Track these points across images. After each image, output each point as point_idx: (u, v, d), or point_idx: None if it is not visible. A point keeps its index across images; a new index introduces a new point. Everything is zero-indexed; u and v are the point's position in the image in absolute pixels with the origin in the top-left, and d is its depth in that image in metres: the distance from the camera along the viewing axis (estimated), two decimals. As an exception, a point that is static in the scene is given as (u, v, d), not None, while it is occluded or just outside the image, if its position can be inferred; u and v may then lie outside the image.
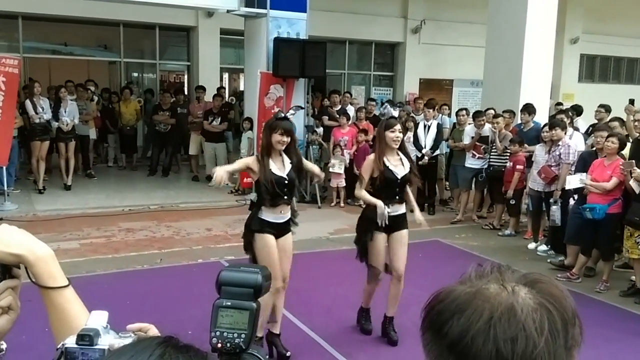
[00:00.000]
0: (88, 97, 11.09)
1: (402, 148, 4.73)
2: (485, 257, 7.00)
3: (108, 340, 0.94)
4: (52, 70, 13.69)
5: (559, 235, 6.95)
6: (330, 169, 9.71)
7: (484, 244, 7.76)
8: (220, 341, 1.01)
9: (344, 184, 9.76)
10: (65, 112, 9.81)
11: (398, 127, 4.64)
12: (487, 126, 8.76)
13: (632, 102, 7.84)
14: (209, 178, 11.04)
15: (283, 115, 4.40)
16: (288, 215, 4.36)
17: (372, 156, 4.72)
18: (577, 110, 10.12)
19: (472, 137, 8.78)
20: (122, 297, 5.40)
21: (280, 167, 4.27)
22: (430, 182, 9.32)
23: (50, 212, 8.46)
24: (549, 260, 6.99)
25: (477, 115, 9.00)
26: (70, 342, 0.93)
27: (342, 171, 9.62)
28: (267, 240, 4.25)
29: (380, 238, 4.65)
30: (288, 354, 4.39)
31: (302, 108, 9.71)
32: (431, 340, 0.82)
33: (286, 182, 4.25)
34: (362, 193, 4.68)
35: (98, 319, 0.99)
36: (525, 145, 8.03)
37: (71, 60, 13.91)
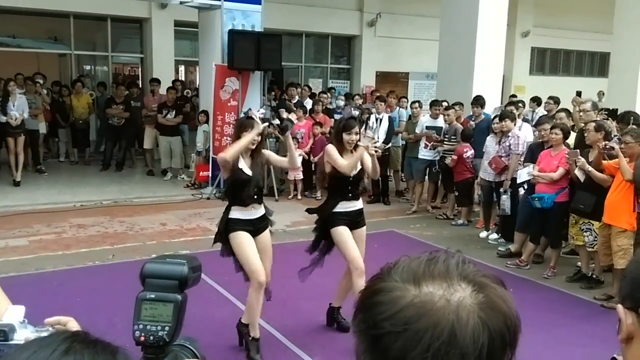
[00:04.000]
0: (37, 90, 10.79)
1: (355, 147, 4.61)
2: (439, 246, 7.13)
3: (24, 335, 0.92)
4: (0, 64, 13.23)
5: (509, 224, 7.14)
6: (287, 162, 9.69)
7: (438, 234, 7.90)
8: (143, 334, 1.00)
9: (302, 177, 9.78)
10: (13, 106, 9.52)
11: (355, 129, 4.56)
12: (442, 118, 8.89)
13: (579, 94, 8.12)
14: (164, 172, 10.92)
15: (253, 114, 4.39)
16: (261, 212, 4.34)
17: (329, 147, 4.63)
18: (538, 101, 10.37)
19: (427, 128, 8.90)
20: (73, 294, 5.30)
21: (250, 167, 4.29)
22: (382, 175, 9.42)
23: (-2, 209, 8.21)
24: (499, 249, 7.16)
25: (433, 104, 9.14)
26: None
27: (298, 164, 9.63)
28: (240, 236, 4.21)
29: (344, 229, 4.57)
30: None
31: (270, 106, 9.68)
32: (364, 341, 0.78)
33: (252, 181, 4.25)
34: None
35: (15, 314, 0.97)
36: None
37: (20, 53, 13.48)
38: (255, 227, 4.29)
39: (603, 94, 11.68)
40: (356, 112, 10.38)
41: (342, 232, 4.57)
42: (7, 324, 0.92)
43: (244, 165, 4.25)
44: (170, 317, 1.01)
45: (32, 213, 8.08)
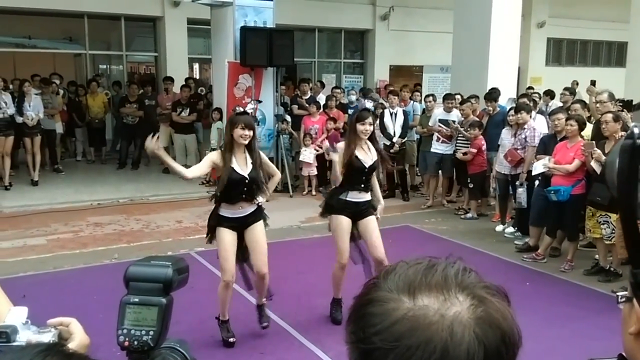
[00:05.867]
0: (53, 90, 10.90)
1: (371, 138, 4.78)
2: (454, 240, 7.09)
3: (26, 336, 0.92)
4: (17, 64, 13.40)
5: (525, 218, 7.05)
6: (301, 158, 9.71)
7: (453, 228, 7.84)
8: (127, 339, 0.99)
9: (316, 173, 9.77)
10: (29, 106, 9.64)
11: (369, 119, 4.69)
12: (455, 111, 8.81)
13: (593, 83, 7.94)
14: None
15: (242, 110, 4.39)
16: (250, 209, 4.34)
17: (341, 144, 4.78)
18: (551, 95, 10.22)
19: (440, 121, 8.80)
20: (90, 292, 5.35)
21: (243, 165, 4.26)
22: (400, 169, 9.39)
23: (17, 209, 8.31)
24: (516, 242, 7.09)
25: (446, 97, 9.05)
26: None
27: (312, 160, 9.62)
28: (221, 233, 4.29)
29: (343, 219, 4.67)
30: (231, 340, 4.44)
31: (260, 102, 9.65)
32: (354, 351, 0.76)
33: (247, 181, 4.23)
34: (336, 173, 4.73)
35: (18, 316, 0.97)
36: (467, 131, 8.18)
37: (36, 54, 13.64)
38: (243, 223, 4.33)
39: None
40: (370, 104, 10.31)
41: (340, 222, 4.69)
42: (9, 326, 0.92)
43: (235, 164, 4.23)
44: (154, 321, 0.99)
45: (50, 212, 8.19)
